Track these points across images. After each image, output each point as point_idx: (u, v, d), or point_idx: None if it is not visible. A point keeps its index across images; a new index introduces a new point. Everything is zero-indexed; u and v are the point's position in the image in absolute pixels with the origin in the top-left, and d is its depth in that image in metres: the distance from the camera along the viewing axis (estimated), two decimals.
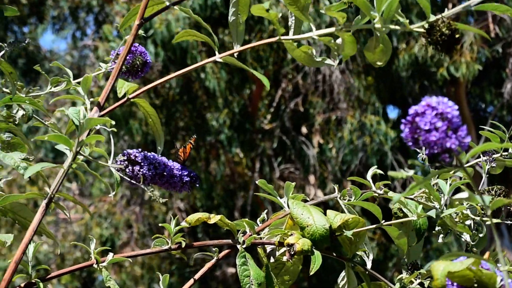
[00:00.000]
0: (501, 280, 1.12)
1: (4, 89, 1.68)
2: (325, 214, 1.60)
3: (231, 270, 9.44)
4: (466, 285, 1.13)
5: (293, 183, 1.66)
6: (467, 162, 1.03)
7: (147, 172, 1.60)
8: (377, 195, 1.66)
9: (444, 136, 1.01)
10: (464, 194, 1.08)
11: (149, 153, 1.64)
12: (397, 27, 1.43)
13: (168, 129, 9.09)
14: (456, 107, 1.01)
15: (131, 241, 9.44)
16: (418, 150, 1.60)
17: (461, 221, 1.61)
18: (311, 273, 1.53)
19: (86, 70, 10.29)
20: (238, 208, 9.27)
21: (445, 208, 1.54)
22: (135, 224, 9.48)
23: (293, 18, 1.61)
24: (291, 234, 1.55)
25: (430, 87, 9.76)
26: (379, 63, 1.50)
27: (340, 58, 1.58)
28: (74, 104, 1.69)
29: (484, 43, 9.27)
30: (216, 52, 1.65)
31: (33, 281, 1.55)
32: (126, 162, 1.61)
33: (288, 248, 1.55)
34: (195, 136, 1.85)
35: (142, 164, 1.61)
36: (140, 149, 1.63)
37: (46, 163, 1.45)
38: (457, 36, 1.35)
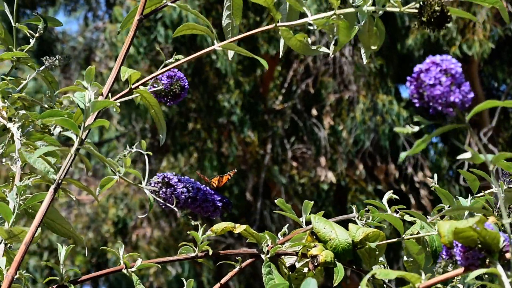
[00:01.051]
0: (504, 241, 1.15)
1: (44, 105, 1.71)
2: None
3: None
4: (469, 246, 1.16)
5: (311, 202, 1.69)
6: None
7: (180, 195, 1.64)
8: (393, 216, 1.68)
9: (448, 90, 1.05)
10: (467, 155, 1.11)
11: (183, 177, 1.67)
12: (390, 9, 1.44)
13: (180, 111, 9.11)
14: (460, 64, 1.04)
15: (144, 222, 9.50)
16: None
17: None
18: (334, 285, 1.56)
19: (97, 52, 10.29)
20: (249, 189, 9.31)
21: None
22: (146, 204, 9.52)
23: (288, 4, 1.63)
24: (315, 246, 1.59)
25: None
26: (373, 47, 1.52)
27: (335, 46, 1.60)
28: None
29: (497, 21, 9.21)
30: (215, 42, 1.67)
31: (65, 284, 1.60)
32: (161, 184, 1.65)
33: (311, 259, 1.58)
34: (236, 170, 1.87)
35: (176, 187, 1.65)
36: (174, 173, 1.67)
37: (51, 147, 1.48)
38: (448, 13, 1.37)
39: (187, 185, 1.66)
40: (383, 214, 1.65)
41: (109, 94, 1.63)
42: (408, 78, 1.06)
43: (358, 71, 9.09)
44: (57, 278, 1.60)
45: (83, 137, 1.49)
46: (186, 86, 1.71)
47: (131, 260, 1.69)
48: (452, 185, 9.04)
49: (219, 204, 1.70)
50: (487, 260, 1.15)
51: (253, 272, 9.53)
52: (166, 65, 1.67)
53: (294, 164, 9.21)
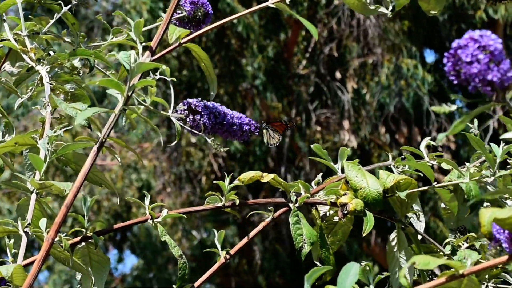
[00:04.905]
0: None
1: (66, 39, 1.69)
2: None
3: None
4: None
5: (348, 149, 1.66)
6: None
7: (207, 121, 1.61)
8: (430, 165, 1.65)
9: (486, 68, 1.00)
10: (510, 134, 1.08)
11: (208, 102, 1.64)
12: None
13: (202, 76, 9.08)
14: (500, 40, 1.01)
15: (167, 188, 9.52)
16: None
17: None
18: (364, 234, 1.54)
19: (115, 18, 10.25)
20: (272, 155, 9.28)
21: (497, 171, 1.54)
22: (169, 170, 9.54)
23: None
24: (345, 194, 1.56)
25: (467, 30, 9.59)
26: (433, 12, 1.48)
27: (393, 6, 1.57)
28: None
29: None
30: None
31: (88, 234, 1.58)
32: (187, 112, 1.62)
33: (341, 208, 1.56)
34: (294, 124, 1.85)
35: (202, 113, 1.62)
36: (199, 98, 1.64)
37: (97, 108, 1.46)
38: None
39: (213, 110, 1.63)
40: (414, 163, 1.62)
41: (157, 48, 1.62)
42: (446, 54, 1.01)
43: (384, 33, 8.99)
44: (83, 229, 1.58)
45: (127, 96, 1.47)
46: (210, 12, 1.68)
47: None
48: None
49: (246, 128, 1.67)
50: None
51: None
52: None
53: (318, 128, 9.17)
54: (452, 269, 1.13)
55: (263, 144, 9.22)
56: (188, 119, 1.62)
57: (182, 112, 1.62)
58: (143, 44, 1.60)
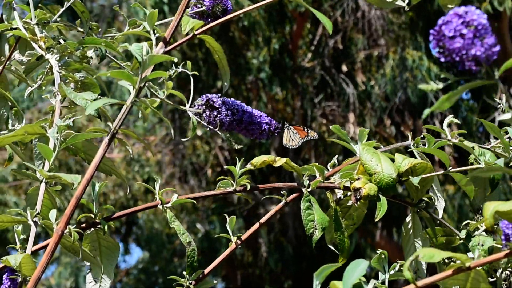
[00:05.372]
0: None
1: (79, 29, 1.68)
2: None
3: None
4: None
5: (367, 129, 1.64)
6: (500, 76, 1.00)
7: (224, 118, 1.60)
8: (451, 143, 1.63)
9: (470, 43, 0.98)
10: (508, 115, 1.06)
11: (228, 99, 1.63)
12: None
13: (208, 69, 9.07)
14: (485, 15, 0.99)
15: (174, 180, 9.51)
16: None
17: None
18: (376, 219, 1.52)
19: (123, 9, 10.24)
20: (278, 148, 9.27)
21: None
22: (175, 163, 9.53)
23: None
24: (358, 178, 1.55)
25: None
26: (450, 6, 1.47)
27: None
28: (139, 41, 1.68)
29: None
30: None
31: (97, 220, 1.57)
32: (204, 107, 1.61)
33: (354, 192, 1.54)
34: (317, 135, 1.84)
35: (220, 109, 1.60)
36: (219, 94, 1.62)
37: (108, 99, 1.45)
38: None
39: (232, 107, 1.61)
40: (428, 148, 1.60)
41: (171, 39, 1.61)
42: (431, 31, 1.00)
43: (388, 25, 8.96)
44: (91, 215, 1.57)
45: (138, 88, 1.46)
46: (229, 8, 1.67)
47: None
48: (483, 141, 8.94)
49: (265, 127, 1.65)
50: None
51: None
52: None
53: (324, 121, 9.15)
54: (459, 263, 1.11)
55: (269, 138, 9.21)
56: (205, 115, 1.61)
57: (200, 107, 1.61)
58: (157, 35, 1.59)
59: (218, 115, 1.60)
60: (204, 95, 1.62)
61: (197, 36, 1.63)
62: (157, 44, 1.58)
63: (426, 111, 1.10)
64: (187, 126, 9.39)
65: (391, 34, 9.02)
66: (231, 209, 9.44)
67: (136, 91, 1.46)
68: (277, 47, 9.14)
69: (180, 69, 1.54)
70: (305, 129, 1.82)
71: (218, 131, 1.60)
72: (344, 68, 9.31)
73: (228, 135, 1.58)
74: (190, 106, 1.59)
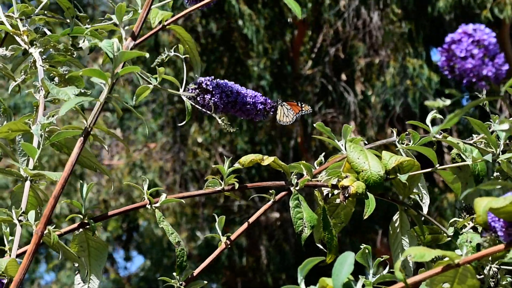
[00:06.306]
0: None
1: (68, 21, 1.68)
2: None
3: (275, 215, 9.50)
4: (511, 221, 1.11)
5: (351, 126, 1.63)
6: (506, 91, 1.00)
7: (218, 100, 1.59)
8: (435, 140, 1.63)
9: (481, 63, 0.99)
10: (505, 126, 1.06)
11: (221, 81, 1.61)
12: None
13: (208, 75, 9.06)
14: (493, 34, 0.99)
15: (175, 185, 9.51)
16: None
17: None
18: (365, 217, 1.52)
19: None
20: (278, 155, 9.27)
21: (501, 153, 1.52)
22: (176, 169, 9.53)
23: None
24: (346, 177, 1.54)
25: None
26: None
27: None
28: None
29: None
30: None
31: (85, 221, 1.55)
32: (198, 91, 1.60)
33: (342, 190, 1.54)
34: (310, 109, 1.83)
35: (213, 92, 1.59)
36: (212, 77, 1.62)
37: (81, 98, 1.43)
38: None
39: (225, 89, 1.60)
40: (414, 146, 1.60)
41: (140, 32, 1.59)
42: (439, 49, 1.00)
43: (388, 35, 8.97)
44: (80, 215, 1.55)
45: (111, 85, 1.45)
46: None
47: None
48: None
49: (260, 107, 1.65)
50: None
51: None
52: None
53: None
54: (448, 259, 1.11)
55: (269, 144, 9.21)
56: (199, 98, 1.59)
57: (193, 91, 1.60)
58: (126, 27, 1.58)
59: (212, 98, 1.59)
60: (197, 79, 1.61)
61: (167, 27, 1.60)
62: (127, 38, 1.57)
63: (435, 130, 1.11)
64: (187, 133, 9.39)
65: (391, 43, 9.03)
66: (231, 217, 9.43)
67: (109, 87, 1.45)
68: (277, 55, 9.15)
69: (172, 53, 1.53)
70: (299, 104, 1.81)
71: (212, 114, 1.59)
72: (345, 76, 9.31)
73: (223, 118, 1.57)
74: (184, 91, 1.58)
